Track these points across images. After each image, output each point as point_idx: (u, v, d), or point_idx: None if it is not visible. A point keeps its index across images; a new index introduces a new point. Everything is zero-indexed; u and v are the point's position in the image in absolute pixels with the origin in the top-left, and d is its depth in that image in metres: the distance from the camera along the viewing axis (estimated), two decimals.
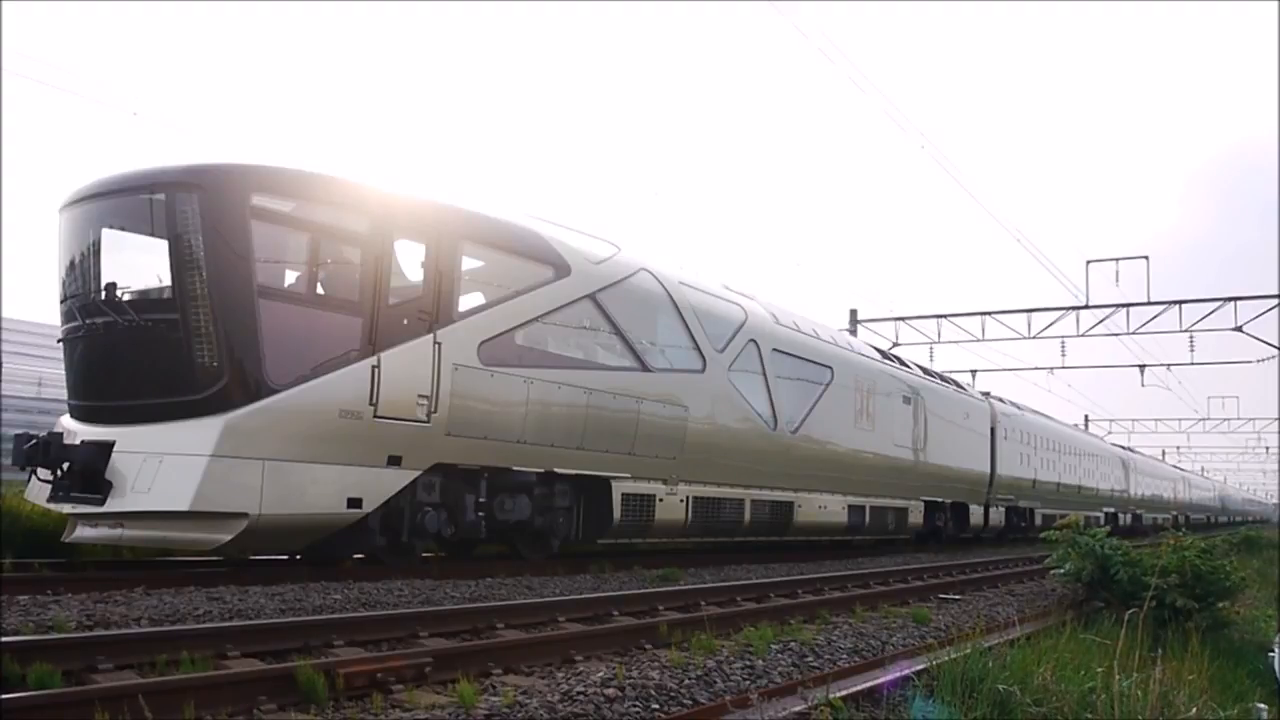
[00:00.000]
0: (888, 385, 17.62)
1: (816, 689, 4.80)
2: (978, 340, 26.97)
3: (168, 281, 7.70)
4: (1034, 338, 26.59)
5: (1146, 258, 24.31)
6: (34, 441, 7.76)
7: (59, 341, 8.51)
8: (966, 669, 4.95)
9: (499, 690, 4.72)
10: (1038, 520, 25.34)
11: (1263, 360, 27.51)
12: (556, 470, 10.04)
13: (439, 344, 8.66)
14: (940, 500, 19.84)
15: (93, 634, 5.04)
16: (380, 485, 8.28)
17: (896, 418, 17.76)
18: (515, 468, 9.61)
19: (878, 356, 18.29)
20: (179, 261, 7.62)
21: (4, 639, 4.50)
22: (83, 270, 8.16)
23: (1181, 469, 64.78)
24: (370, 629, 5.75)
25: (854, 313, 28.00)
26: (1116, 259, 24.54)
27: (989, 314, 26.58)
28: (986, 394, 24.58)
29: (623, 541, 11.64)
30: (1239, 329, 24.09)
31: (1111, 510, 34.37)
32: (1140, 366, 32.84)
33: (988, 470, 22.34)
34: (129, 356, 7.85)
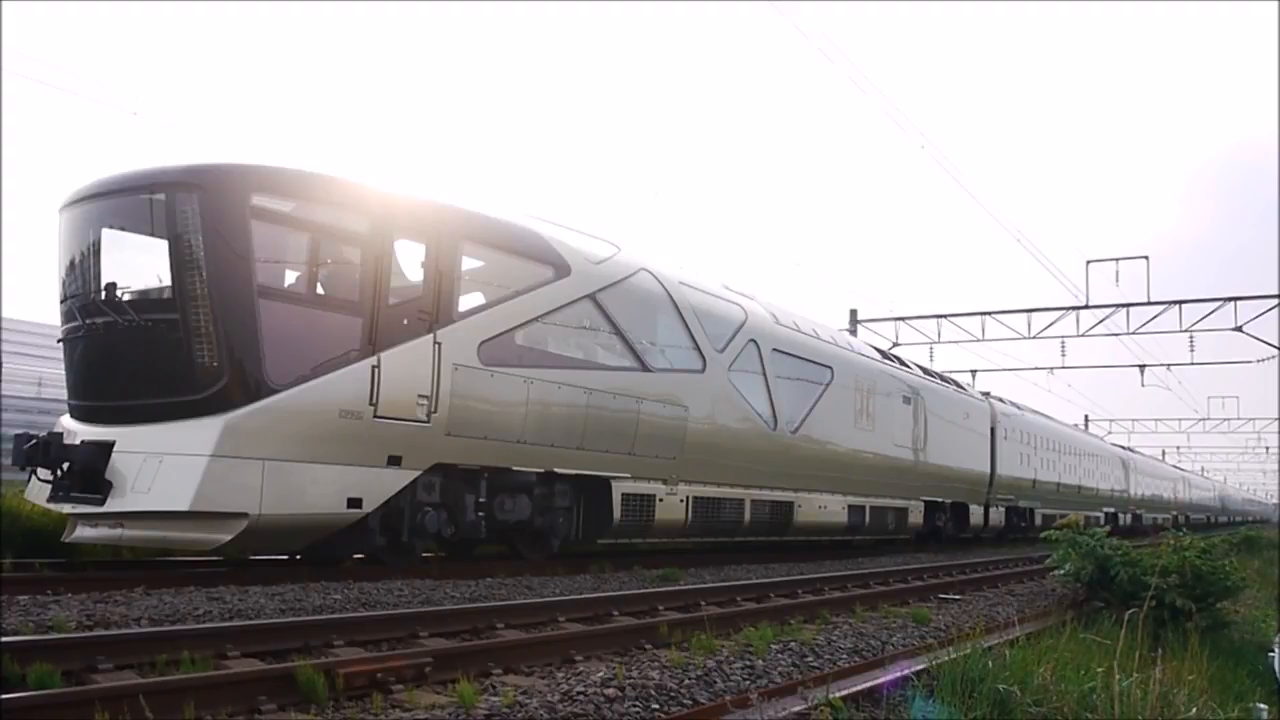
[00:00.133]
0: (888, 385, 17.62)
1: (816, 689, 4.80)
2: (978, 340, 26.98)
3: (168, 281, 7.70)
4: (1034, 338, 26.59)
5: (1146, 258, 24.33)
6: (34, 441, 7.76)
7: (59, 341, 8.51)
8: (966, 669, 4.95)
9: (499, 690, 4.72)
10: (1038, 520, 25.34)
11: (1263, 360, 27.54)
12: (556, 470, 10.04)
13: (439, 344, 8.66)
14: (940, 500, 19.84)
15: (93, 634, 5.04)
16: (380, 485, 8.28)
17: (896, 418, 17.76)
18: (515, 468, 9.61)
19: (878, 356, 18.29)
20: (179, 261, 7.62)
21: (4, 639, 4.50)
22: (83, 270, 8.16)
23: (1181, 469, 64.77)
24: (370, 629, 5.74)
25: (854, 313, 28.00)
26: (1116, 259, 24.55)
27: (989, 314, 26.59)
28: (986, 394, 24.58)
29: (623, 541, 11.64)
30: (1239, 329, 24.09)
31: (1111, 510, 34.37)
32: (1140, 366, 32.85)
33: (988, 470, 22.34)
34: (129, 356, 7.85)
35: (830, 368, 15.48)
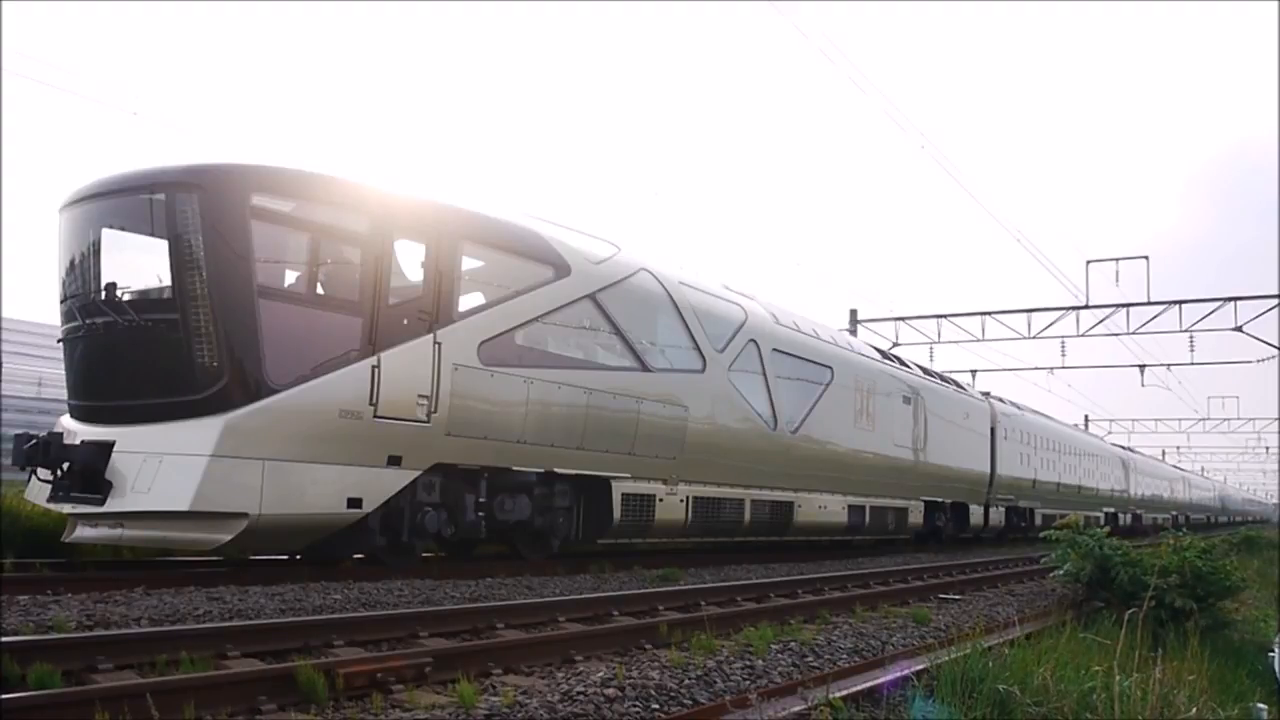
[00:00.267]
0: (888, 385, 17.62)
1: (816, 689, 4.80)
2: (978, 340, 26.97)
3: (168, 281, 7.70)
4: (1034, 338, 26.59)
5: (1146, 258, 24.34)
6: (34, 441, 7.76)
7: (59, 341, 8.51)
8: (966, 669, 4.95)
9: (499, 690, 4.72)
10: (1038, 520, 25.34)
11: (1263, 360, 27.53)
12: (556, 470, 10.04)
13: (439, 344, 8.66)
14: (940, 500, 19.84)
15: (93, 634, 5.04)
16: (380, 485, 8.28)
17: (896, 418, 17.76)
18: (515, 468, 9.61)
19: (878, 356, 18.29)
20: (179, 261, 7.62)
21: (4, 639, 4.50)
22: (83, 270, 8.16)
23: (1181, 469, 64.77)
24: (370, 629, 5.74)
25: (854, 313, 27.99)
26: (1116, 259, 24.55)
27: (989, 314, 26.58)
28: (986, 394, 24.58)
29: (623, 541, 11.64)
30: (1239, 329, 24.09)
31: (1111, 510, 34.36)
32: (1140, 366, 32.85)
33: (988, 470, 22.34)
34: (129, 356, 7.85)
35: (830, 368, 15.48)
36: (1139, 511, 41.01)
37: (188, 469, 7.18)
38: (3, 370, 16.97)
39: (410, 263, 8.87)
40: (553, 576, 9.58)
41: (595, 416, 10.35)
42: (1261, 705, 5.75)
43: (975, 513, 21.73)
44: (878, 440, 16.88)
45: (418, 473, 8.61)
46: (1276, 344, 24.59)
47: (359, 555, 9.07)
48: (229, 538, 7.36)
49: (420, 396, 8.47)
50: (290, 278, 8.56)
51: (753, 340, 13.37)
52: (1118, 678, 4.67)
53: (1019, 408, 26.41)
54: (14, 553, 8.07)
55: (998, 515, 23.27)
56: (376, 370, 8.12)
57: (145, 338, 7.72)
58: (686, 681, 5.11)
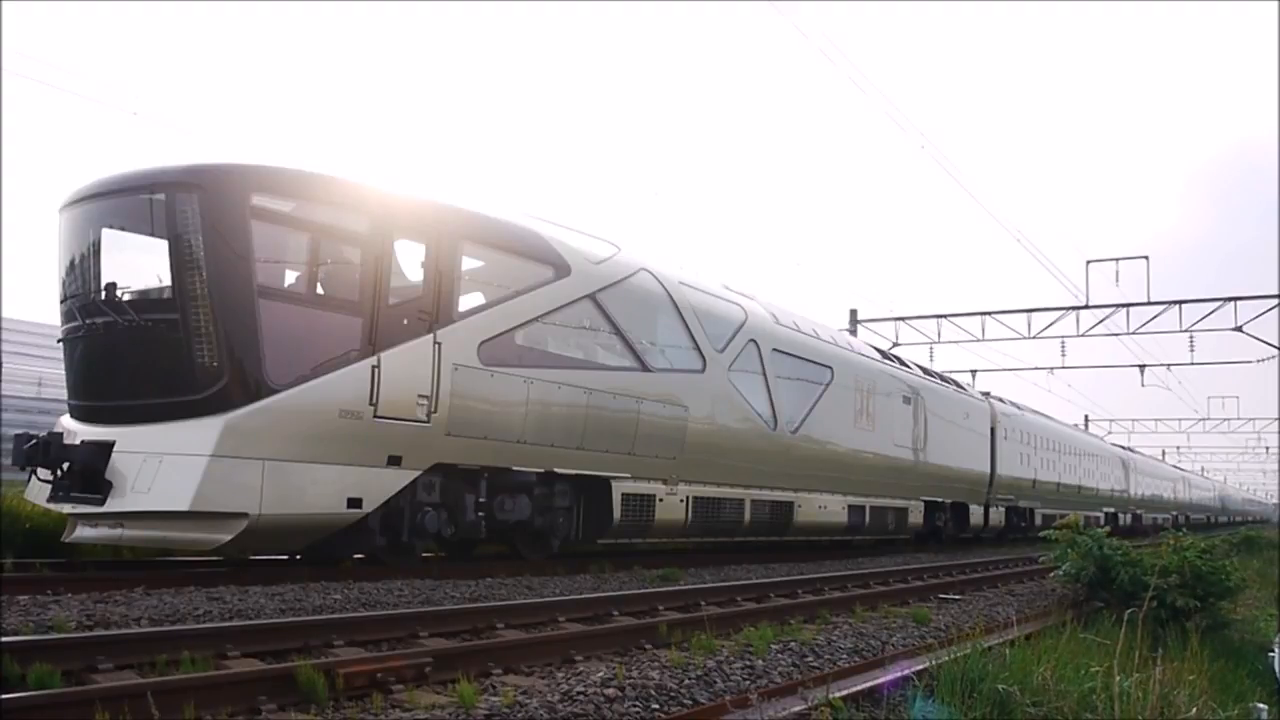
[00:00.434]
0: (888, 385, 17.62)
1: (816, 689, 4.80)
2: (978, 340, 26.98)
3: (168, 281, 7.70)
4: (1034, 338, 26.59)
5: (1146, 258, 24.34)
6: (34, 441, 7.76)
7: (59, 341, 8.51)
8: (966, 669, 4.95)
9: (499, 690, 4.72)
10: (1038, 520, 25.33)
11: (1263, 360, 27.53)
12: (556, 470, 10.04)
13: (439, 344, 8.66)
14: (940, 500, 19.84)
15: (93, 634, 5.04)
16: (380, 485, 8.28)
17: (896, 418, 17.76)
18: (515, 468, 9.61)
19: (878, 356, 18.29)
20: (179, 261, 7.62)
21: (4, 639, 4.51)
22: (83, 270, 8.16)
23: (1181, 469, 64.77)
24: (370, 629, 5.74)
25: (854, 313, 27.99)
26: (1116, 259, 24.56)
27: (989, 314, 26.58)
28: (986, 394, 24.58)
29: (623, 541, 11.64)
30: (1239, 329, 24.09)
31: (1111, 510, 34.37)
32: (1140, 366, 32.85)
33: (988, 470, 22.34)
34: (129, 356, 7.85)
35: (830, 368, 15.48)
36: (1139, 511, 41.02)
37: (188, 469, 7.18)
38: (3, 370, 16.97)
39: (410, 263, 8.87)
40: (553, 576, 9.57)
41: (595, 416, 10.35)
42: (1261, 705, 5.75)
43: (975, 513, 21.73)
44: (878, 440, 16.88)
45: (418, 473, 8.61)
46: (1276, 344, 24.61)
47: (359, 555, 9.07)
48: (229, 538, 7.36)
49: (420, 396, 8.47)
50: (290, 278, 8.56)
51: (753, 340, 13.37)
52: (1118, 678, 4.67)
53: (1019, 408, 26.41)
54: (14, 553, 8.07)
55: (998, 515, 23.27)
56: (376, 370, 8.12)
57: (145, 338, 7.72)
58: (686, 681, 5.11)
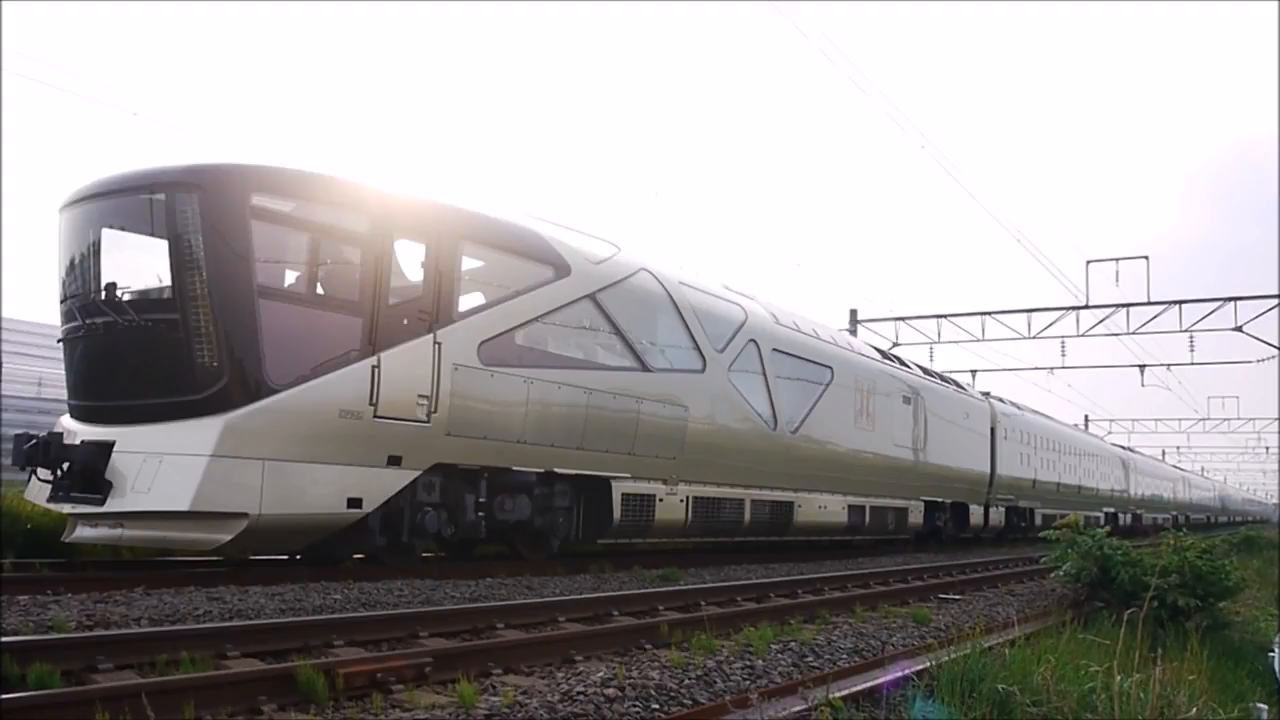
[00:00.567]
0: (888, 385, 17.62)
1: (816, 689, 4.80)
2: (978, 340, 26.98)
3: (168, 281, 7.70)
4: (1034, 338, 26.59)
5: (1146, 258, 24.34)
6: (34, 441, 7.76)
7: (59, 341, 8.51)
8: (966, 669, 4.95)
9: (499, 690, 4.72)
10: (1038, 520, 25.33)
11: (1263, 360, 27.54)
12: (556, 470, 10.04)
13: (439, 344, 8.66)
14: (940, 500, 19.84)
15: (93, 634, 5.04)
16: (380, 485, 8.28)
17: (896, 418, 17.76)
18: (515, 468, 9.61)
19: (878, 356, 18.29)
20: (179, 261, 7.62)
21: (4, 639, 4.50)
22: (83, 270, 8.16)
23: (1181, 469, 64.77)
24: (370, 629, 5.74)
25: (854, 313, 28.00)
26: (1116, 259, 24.56)
27: (989, 314, 26.59)
28: (986, 394, 24.58)
29: (623, 541, 11.64)
30: (1239, 329, 24.09)
31: (1111, 510, 34.37)
32: (1140, 366, 32.85)
33: (988, 470, 22.34)
34: (129, 356, 7.85)
35: (830, 368, 15.48)
36: (1139, 511, 41.02)
37: (188, 469, 7.18)
38: (3, 370, 16.97)
39: (410, 263, 8.87)
40: (553, 576, 9.57)
41: (595, 416, 10.35)
42: (1261, 705, 5.75)
43: (975, 513, 21.73)
44: (878, 440, 16.88)
45: (418, 473, 8.61)
46: (1276, 344, 24.61)
47: (359, 555, 9.07)
48: (229, 538, 7.36)
49: (420, 396, 8.47)
50: (290, 278, 8.56)
51: (753, 340, 13.38)
52: (1118, 678, 4.67)
53: (1019, 408, 26.41)
54: (14, 553, 8.07)
55: (998, 515, 23.27)
56: (376, 370, 8.12)
57: (145, 338, 7.72)
58: (686, 681, 5.11)
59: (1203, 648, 6.94)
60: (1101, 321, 25.81)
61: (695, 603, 8.00)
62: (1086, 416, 53.04)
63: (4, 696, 3.70)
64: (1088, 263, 25.04)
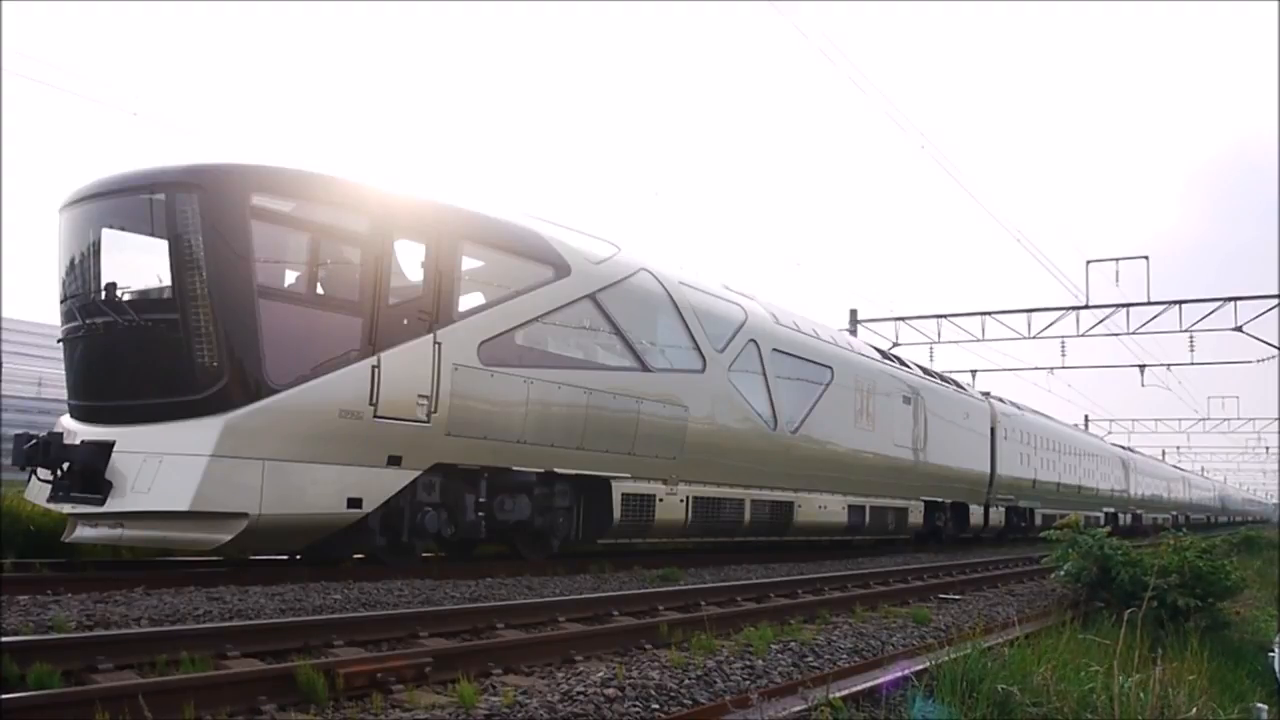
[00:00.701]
0: (888, 385, 17.62)
1: (816, 689, 4.80)
2: (978, 340, 26.97)
3: (168, 281, 7.70)
4: (1034, 338, 26.59)
5: (1146, 258, 24.34)
6: (34, 441, 7.76)
7: (59, 341, 8.51)
8: (966, 669, 4.95)
9: (499, 690, 4.72)
10: (1038, 520, 25.34)
11: (1263, 360, 27.52)
12: (556, 470, 10.04)
13: (439, 344, 8.66)
14: (940, 500, 19.84)
15: (93, 634, 5.04)
16: (380, 485, 8.28)
17: (896, 418, 17.76)
18: (515, 468, 9.61)
19: (878, 356, 18.29)
20: (179, 261, 7.62)
21: (4, 639, 4.50)
22: (83, 270, 8.16)
23: (1181, 469, 64.76)
24: (370, 629, 5.74)
25: (854, 313, 27.99)
26: (1116, 259, 24.55)
27: (989, 314, 26.58)
28: (986, 394, 24.58)
29: (623, 541, 11.64)
30: (1239, 329, 24.09)
31: (1111, 510, 34.37)
32: (1140, 366, 32.84)
33: (988, 470, 22.34)
34: (129, 356, 7.85)
35: (830, 368, 15.48)
36: (1139, 511, 41.01)
37: (188, 469, 7.18)
38: (3, 370, 16.97)
39: (410, 263, 8.87)
40: (553, 576, 9.57)
41: (595, 416, 10.35)
42: (1261, 705, 5.75)
43: (975, 513, 21.73)
44: (878, 440, 16.88)
45: (418, 473, 8.61)
46: (1276, 344, 24.61)
47: (359, 555, 9.07)
48: (229, 538, 7.35)
49: (420, 396, 8.47)
50: (290, 278, 8.56)
51: (753, 340, 13.37)
52: (1118, 678, 4.67)
53: (1019, 408, 26.41)
54: (14, 553, 8.08)
55: (998, 515, 23.27)
56: (376, 370, 8.12)
57: (145, 338, 7.72)
58: (686, 681, 5.11)
59: (1203, 648, 6.94)
60: (1101, 321, 25.82)
61: (695, 603, 8.00)
62: (1086, 416, 53.07)
63: (4, 696, 3.71)
64: (1088, 263, 25.07)
